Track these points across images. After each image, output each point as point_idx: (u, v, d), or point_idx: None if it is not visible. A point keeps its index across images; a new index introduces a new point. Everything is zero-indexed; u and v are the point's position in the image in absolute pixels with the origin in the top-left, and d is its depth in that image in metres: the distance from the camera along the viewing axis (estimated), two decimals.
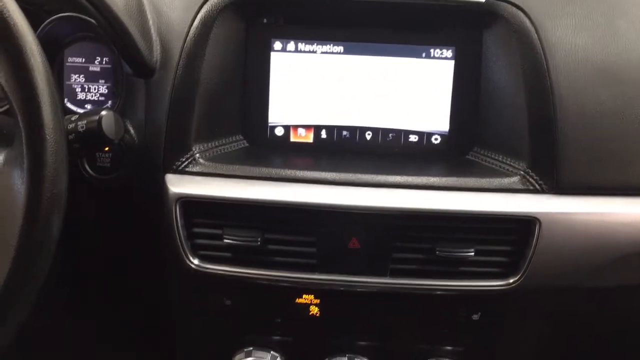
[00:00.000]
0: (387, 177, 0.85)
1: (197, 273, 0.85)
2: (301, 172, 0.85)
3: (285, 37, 0.92)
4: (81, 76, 0.92)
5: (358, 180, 0.85)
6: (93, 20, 0.79)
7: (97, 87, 0.92)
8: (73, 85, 0.92)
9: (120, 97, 0.89)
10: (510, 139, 0.88)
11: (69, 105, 0.92)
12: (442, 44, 0.92)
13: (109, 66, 0.92)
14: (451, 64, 0.92)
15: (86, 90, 0.92)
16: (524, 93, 0.85)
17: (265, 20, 0.93)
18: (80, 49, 0.92)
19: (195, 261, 0.85)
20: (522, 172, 0.85)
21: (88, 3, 0.75)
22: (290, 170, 0.85)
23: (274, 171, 0.85)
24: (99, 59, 0.92)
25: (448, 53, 0.92)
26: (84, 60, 0.92)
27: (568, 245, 0.83)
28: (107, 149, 0.86)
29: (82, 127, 0.76)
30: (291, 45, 0.93)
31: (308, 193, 0.83)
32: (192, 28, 0.85)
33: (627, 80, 0.83)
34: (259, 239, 0.83)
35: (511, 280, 0.85)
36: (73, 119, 0.77)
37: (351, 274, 0.85)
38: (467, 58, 0.92)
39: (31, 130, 0.60)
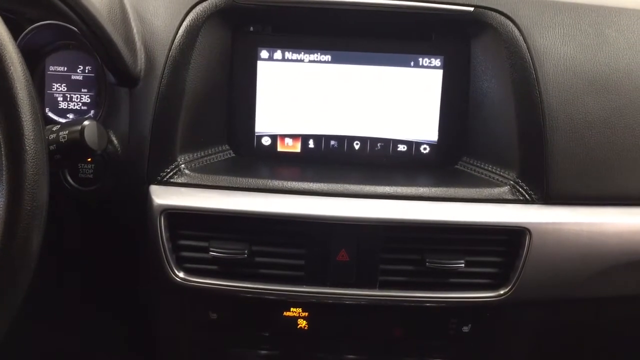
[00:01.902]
0: (376, 188, 0.84)
1: (182, 286, 0.83)
2: (289, 182, 0.84)
3: (272, 45, 0.91)
4: (63, 85, 0.90)
5: (346, 191, 0.83)
6: (76, 29, 0.78)
7: (79, 96, 0.90)
8: (55, 95, 0.90)
9: (103, 106, 0.88)
10: (500, 149, 0.87)
11: (50, 114, 0.90)
12: (430, 53, 0.91)
13: (92, 75, 0.90)
14: (440, 73, 0.91)
15: (68, 99, 0.90)
16: (513, 102, 0.84)
17: (251, 29, 0.92)
18: (62, 57, 0.90)
19: (181, 274, 0.83)
20: (511, 182, 0.85)
21: (71, 11, 0.73)
22: (277, 181, 0.84)
23: (261, 182, 0.84)
24: (81, 67, 0.90)
25: (437, 62, 0.91)
26: (65, 69, 0.90)
27: (559, 256, 0.83)
28: (89, 159, 0.84)
29: (64, 138, 0.74)
30: (278, 54, 0.92)
31: (296, 204, 0.81)
32: (177, 36, 0.83)
33: (616, 89, 0.83)
34: (246, 251, 0.81)
35: (502, 292, 0.84)
36: (54, 129, 0.75)
37: (340, 286, 0.84)
38: (455, 67, 0.91)
39: (10, 141, 0.58)
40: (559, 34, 0.84)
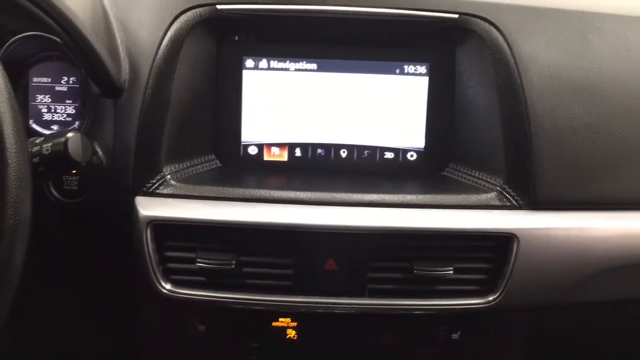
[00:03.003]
0: (364, 196, 0.83)
1: (169, 298, 0.82)
2: (276, 192, 0.83)
3: (257, 54, 0.91)
4: (47, 96, 0.90)
5: (334, 200, 0.83)
6: (59, 40, 0.77)
7: (63, 108, 0.89)
8: (39, 106, 0.89)
9: (87, 117, 0.87)
10: (486, 155, 0.87)
11: (34, 126, 0.89)
12: (416, 60, 0.91)
13: (76, 86, 0.89)
14: (425, 80, 0.92)
15: (52, 110, 0.90)
16: (499, 109, 0.84)
17: (236, 38, 0.92)
18: (46, 68, 0.89)
19: (167, 286, 0.83)
20: (498, 188, 0.85)
21: (54, 22, 0.72)
22: (264, 191, 0.83)
23: (247, 191, 0.83)
24: (65, 78, 0.90)
25: (422, 69, 0.91)
26: (49, 80, 0.89)
27: (547, 261, 0.83)
28: (74, 171, 0.83)
29: (47, 150, 0.74)
30: (263, 63, 0.91)
31: (283, 214, 0.81)
32: (161, 46, 0.83)
33: (600, 95, 0.83)
34: (234, 262, 0.80)
35: (490, 298, 0.84)
36: (38, 141, 0.74)
37: (329, 295, 0.83)
38: (441, 74, 0.91)
39: None
40: (543, 40, 0.84)
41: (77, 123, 0.89)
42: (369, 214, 0.82)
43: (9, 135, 0.58)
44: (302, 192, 0.83)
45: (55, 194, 0.83)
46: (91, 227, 0.87)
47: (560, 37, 0.85)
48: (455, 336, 0.89)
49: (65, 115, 0.90)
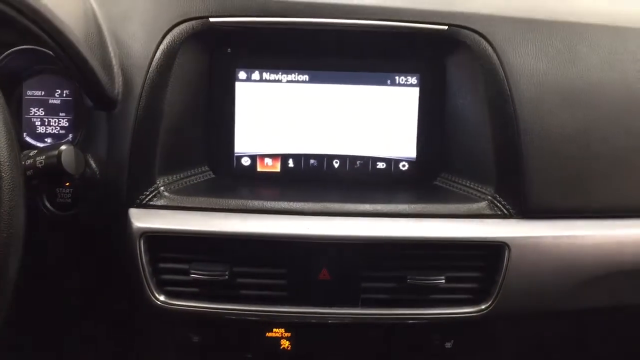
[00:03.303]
0: (356, 206, 0.84)
1: (163, 310, 0.83)
2: (269, 202, 0.84)
3: (249, 66, 0.92)
4: (40, 109, 0.90)
5: (327, 210, 0.84)
6: (52, 53, 0.78)
7: (57, 120, 0.90)
8: (32, 119, 0.90)
9: (81, 130, 0.87)
10: (477, 164, 0.88)
11: (28, 139, 0.89)
12: (406, 71, 0.92)
13: (70, 99, 0.90)
14: (416, 90, 0.92)
15: (46, 123, 0.90)
16: (488, 119, 0.85)
17: (229, 50, 0.92)
18: (39, 81, 0.90)
19: (161, 297, 0.83)
20: (489, 197, 0.86)
21: (47, 36, 0.73)
22: (258, 202, 0.84)
23: (241, 203, 0.83)
24: (59, 91, 0.90)
25: (413, 80, 0.92)
26: (43, 93, 0.90)
27: (538, 269, 0.83)
28: (67, 184, 0.83)
29: (41, 163, 0.74)
30: (256, 75, 0.92)
31: (277, 224, 0.81)
32: (154, 59, 0.83)
33: (589, 103, 0.84)
34: (227, 273, 0.81)
35: (483, 307, 0.84)
36: (31, 154, 0.75)
37: (322, 305, 0.84)
38: (431, 84, 0.92)
39: None
40: (532, 50, 0.85)
41: (70, 136, 0.89)
42: (361, 224, 0.83)
43: (2, 148, 0.59)
44: (295, 203, 0.84)
45: (49, 206, 0.84)
46: (84, 239, 0.87)
47: (548, 47, 0.86)
48: (448, 345, 0.89)
49: (58, 128, 0.90)
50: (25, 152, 0.75)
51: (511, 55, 0.84)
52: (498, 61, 0.84)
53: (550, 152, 0.83)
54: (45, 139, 0.90)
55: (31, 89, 0.90)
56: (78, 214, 0.84)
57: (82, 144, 0.85)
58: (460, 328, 0.88)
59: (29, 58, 0.87)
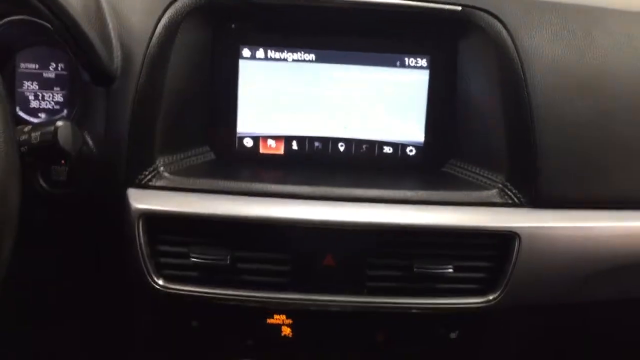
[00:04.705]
0: (362, 191, 0.81)
1: (162, 294, 0.80)
2: (272, 185, 0.81)
3: (254, 43, 0.88)
4: (34, 83, 0.87)
5: (332, 195, 0.81)
6: (48, 25, 0.74)
7: (51, 95, 0.87)
8: (26, 93, 0.86)
9: (76, 106, 0.84)
10: (488, 151, 0.86)
11: (21, 114, 0.86)
12: (417, 52, 0.89)
13: (65, 73, 0.86)
14: (426, 73, 0.90)
15: (40, 98, 0.87)
16: (501, 104, 0.83)
17: (233, 26, 0.89)
18: (33, 54, 0.86)
19: (160, 281, 0.80)
20: (500, 185, 0.83)
21: (43, 6, 0.69)
22: (260, 184, 0.81)
23: (243, 185, 0.81)
24: (53, 65, 0.87)
25: (423, 62, 0.89)
26: (37, 66, 0.87)
27: (548, 260, 0.81)
28: (63, 161, 0.80)
29: (36, 139, 0.71)
30: (260, 53, 0.89)
31: (280, 208, 0.79)
32: (155, 33, 0.80)
33: (604, 91, 0.82)
34: (228, 257, 0.78)
35: (490, 297, 0.82)
36: (26, 129, 0.72)
37: (326, 292, 0.81)
38: (442, 67, 0.89)
39: None
40: (547, 34, 0.82)
41: (65, 111, 0.86)
42: (367, 210, 0.80)
43: None
44: (299, 187, 0.81)
45: (43, 184, 0.80)
46: (80, 219, 0.84)
47: (564, 31, 0.83)
48: (453, 335, 0.87)
49: (53, 103, 0.87)
50: (19, 127, 0.72)
51: (526, 39, 0.82)
52: (512, 45, 0.81)
53: (564, 140, 0.81)
54: (39, 114, 0.87)
55: (25, 62, 0.87)
56: (73, 192, 0.80)
57: (78, 121, 0.82)
58: (467, 318, 0.87)
59: (22, 29, 0.84)
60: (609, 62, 0.83)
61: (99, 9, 0.80)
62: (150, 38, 0.80)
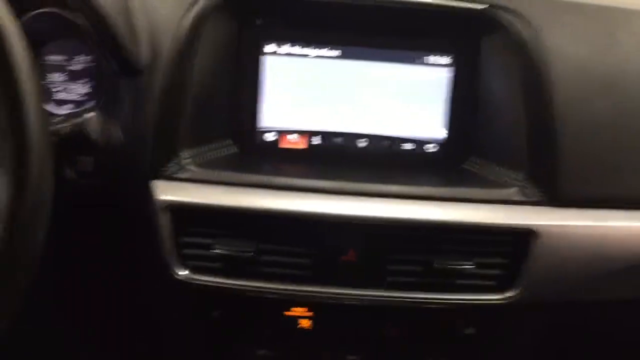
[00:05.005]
0: (385, 187, 0.82)
1: (185, 284, 0.81)
2: (296, 180, 0.82)
3: (278, 39, 0.89)
4: (60, 75, 0.87)
5: (355, 190, 0.82)
6: (76, 18, 0.75)
7: (77, 87, 0.87)
8: (51, 85, 0.87)
9: (103, 97, 0.85)
10: (508, 150, 0.86)
11: (47, 105, 0.87)
12: (439, 50, 0.90)
13: (91, 65, 0.87)
14: (449, 71, 0.90)
15: (66, 89, 0.87)
16: (523, 103, 0.83)
17: (258, 22, 0.90)
18: (59, 46, 0.87)
19: (184, 272, 0.81)
20: (519, 184, 0.84)
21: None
22: (283, 178, 0.82)
23: (267, 179, 0.82)
24: (79, 57, 0.87)
25: (445, 60, 0.90)
26: (63, 58, 0.87)
27: (566, 259, 0.82)
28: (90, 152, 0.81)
29: (66, 130, 0.72)
30: (284, 48, 0.90)
31: (304, 202, 0.80)
32: (181, 27, 0.81)
33: (627, 92, 0.82)
34: (252, 249, 0.79)
35: (508, 294, 0.83)
36: (56, 120, 0.73)
37: (347, 286, 0.82)
38: (464, 66, 0.90)
39: (15, 134, 0.55)
40: (571, 34, 0.83)
41: (91, 103, 0.87)
42: (389, 205, 0.81)
43: (31, 113, 0.56)
44: (322, 181, 0.82)
45: (70, 173, 0.81)
46: (104, 209, 0.85)
47: (587, 32, 0.83)
48: (470, 331, 0.88)
49: (79, 95, 0.88)
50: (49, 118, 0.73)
51: (549, 39, 0.82)
52: (536, 45, 0.82)
53: (585, 140, 0.81)
54: (65, 106, 0.88)
55: (51, 54, 0.87)
56: (99, 183, 0.81)
57: (105, 112, 0.83)
58: (484, 315, 0.87)
59: (49, 22, 0.84)
60: (632, 63, 0.83)
61: (127, 2, 0.81)
62: (178, 31, 0.80)
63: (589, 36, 0.83)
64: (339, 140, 0.92)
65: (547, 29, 0.83)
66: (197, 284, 0.81)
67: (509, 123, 0.86)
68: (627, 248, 0.84)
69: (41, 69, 0.87)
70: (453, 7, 0.84)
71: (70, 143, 0.74)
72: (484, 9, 0.83)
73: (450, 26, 0.89)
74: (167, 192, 0.80)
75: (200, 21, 0.81)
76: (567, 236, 0.82)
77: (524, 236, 0.82)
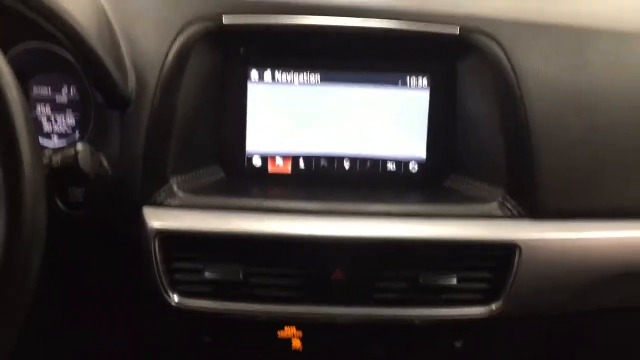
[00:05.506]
0: (369, 206, 0.85)
1: (176, 309, 0.82)
2: (283, 202, 0.84)
3: (262, 66, 0.92)
4: (47, 107, 0.89)
5: (340, 210, 0.84)
6: (65, 50, 0.77)
7: (63, 119, 0.89)
8: (39, 117, 0.89)
9: (90, 128, 0.86)
10: (487, 166, 0.89)
11: None
12: (417, 72, 0.93)
13: (77, 97, 0.89)
14: (427, 92, 0.93)
15: (52, 121, 0.89)
16: (499, 121, 0.86)
17: (242, 50, 0.92)
18: (46, 79, 0.89)
19: (175, 297, 0.82)
20: (500, 199, 0.87)
21: (61, 33, 0.72)
22: (270, 201, 0.84)
23: (255, 202, 0.84)
24: (66, 89, 0.89)
25: (423, 81, 0.93)
26: (50, 90, 0.89)
27: (549, 270, 0.85)
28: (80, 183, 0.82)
29: (57, 162, 0.73)
30: (268, 75, 0.92)
31: (292, 224, 0.82)
32: (167, 58, 0.82)
33: (597, 107, 0.85)
34: (241, 273, 0.81)
35: (494, 307, 0.85)
36: (47, 153, 0.74)
37: (335, 305, 0.84)
38: (442, 86, 0.93)
39: (8, 170, 0.57)
40: (542, 54, 0.86)
41: (77, 134, 0.88)
42: (374, 224, 0.83)
43: (25, 147, 0.58)
44: (308, 203, 0.84)
45: (61, 206, 0.83)
46: (96, 239, 0.86)
47: (557, 52, 0.86)
48: (458, 344, 0.90)
49: (65, 127, 0.89)
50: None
51: (522, 59, 0.85)
52: (509, 64, 0.85)
53: (560, 155, 0.84)
54: (52, 137, 0.89)
55: (37, 86, 0.89)
56: (90, 212, 0.83)
57: (93, 143, 0.84)
58: (471, 328, 0.89)
59: (35, 55, 0.86)
60: (601, 80, 0.86)
61: (112, 34, 0.83)
62: (163, 62, 0.82)
63: (559, 56, 0.86)
64: (323, 162, 0.95)
65: (519, 50, 0.86)
66: (189, 308, 0.82)
67: (486, 141, 0.89)
68: (608, 258, 0.87)
69: (29, 102, 0.88)
70: (427, 32, 0.87)
71: (61, 175, 0.75)
72: (457, 32, 0.86)
73: (427, 48, 0.92)
74: (157, 218, 0.81)
75: (185, 51, 0.84)
76: (548, 248, 0.85)
77: (507, 249, 0.84)
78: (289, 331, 0.88)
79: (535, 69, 0.85)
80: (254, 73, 0.92)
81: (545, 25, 0.87)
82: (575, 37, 0.87)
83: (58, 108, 0.89)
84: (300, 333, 0.88)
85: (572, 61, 0.86)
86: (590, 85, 0.86)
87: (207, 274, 0.81)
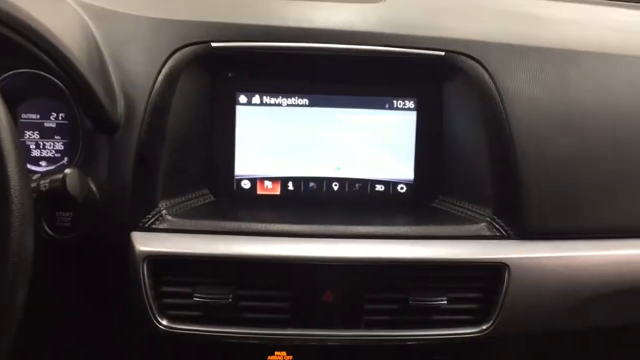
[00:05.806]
0: (357, 228, 0.85)
1: (166, 334, 0.82)
2: (271, 225, 0.84)
3: (250, 90, 0.93)
4: (35, 132, 0.89)
5: (328, 232, 0.84)
6: (54, 76, 0.77)
7: (52, 144, 0.89)
8: (27, 142, 0.89)
9: (78, 153, 0.86)
10: (475, 187, 0.90)
11: None
12: (404, 95, 0.94)
13: (66, 122, 0.89)
14: (414, 114, 0.94)
15: (41, 146, 0.89)
16: (486, 142, 0.87)
17: (230, 74, 0.93)
18: (34, 104, 0.89)
19: (164, 321, 0.82)
20: (488, 219, 0.87)
21: (51, 60, 0.73)
22: (260, 224, 0.84)
23: (243, 225, 0.83)
24: (54, 114, 0.89)
25: (410, 104, 0.94)
26: (38, 116, 0.89)
27: (538, 290, 0.85)
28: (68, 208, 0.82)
29: (45, 187, 0.73)
30: (256, 99, 0.93)
31: (279, 246, 0.82)
32: (156, 83, 0.83)
33: (582, 128, 0.87)
34: (230, 296, 0.80)
35: (484, 327, 0.85)
36: (35, 177, 0.74)
37: (325, 327, 0.84)
38: (429, 108, 0.94)
39: None
40: (526, 76, 0.87)
41: (66, 159, 0.88)
42: (363, 246, 0.83)
43: (13, 172, 0.58)
44: (296, 225, 0.84)
45: (49, 230, 0.82)
46: (84, 263, 0.86)
47: (541, 74, 0.88)
48: None
49: (53, 152, 0.89)
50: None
51: (506, 81, 0.87)
52: (494, 86, 0.86)
53: (547, 175, 0.85)
54: (40, 162, 0.89)
55: (26, 112, 0.89)
56: (78, 237, 0.82)
57: (81, 168, 0.84)
58: (462, 348, 0.89)
59: (24, 81, 0.87)
60: (585, 101, 0.88)
61: (101, 60, 0.83)
62: (152, 88, 0.83)
63: (543, 77, 0.88)
64: (312, 185, 0.95)
65: (504, 72, 0.87)
66: (178, 333, 0.82)
67: (473, 162, 0.90)
68: (597, 276, 0.87)
69: (18, 128, 0.88)
70: (413, 55, 0.88)
71: (49, 199, 0.75)
72: (442, 55, 0.87)
73: (413, 72, 0.94)
74: (146, 243, 0.81)
75: (174, 76, 0.84)
76: (536, 267, 0.85)
77: (496, 269, 0.84)
78: (279, 356, 0.87)
79: (520, 91, 0.87)
80: (242, 97, 0.93)
81: (528, 47, 0.89)
82: (559, 59, 0.89)
83: (47, 133, 0.89)
84: (290, 357, 0.87)
85: (556, 83, 0.88)
86: (574, 106, 0.87)
87: (196, 298, 0.80)
